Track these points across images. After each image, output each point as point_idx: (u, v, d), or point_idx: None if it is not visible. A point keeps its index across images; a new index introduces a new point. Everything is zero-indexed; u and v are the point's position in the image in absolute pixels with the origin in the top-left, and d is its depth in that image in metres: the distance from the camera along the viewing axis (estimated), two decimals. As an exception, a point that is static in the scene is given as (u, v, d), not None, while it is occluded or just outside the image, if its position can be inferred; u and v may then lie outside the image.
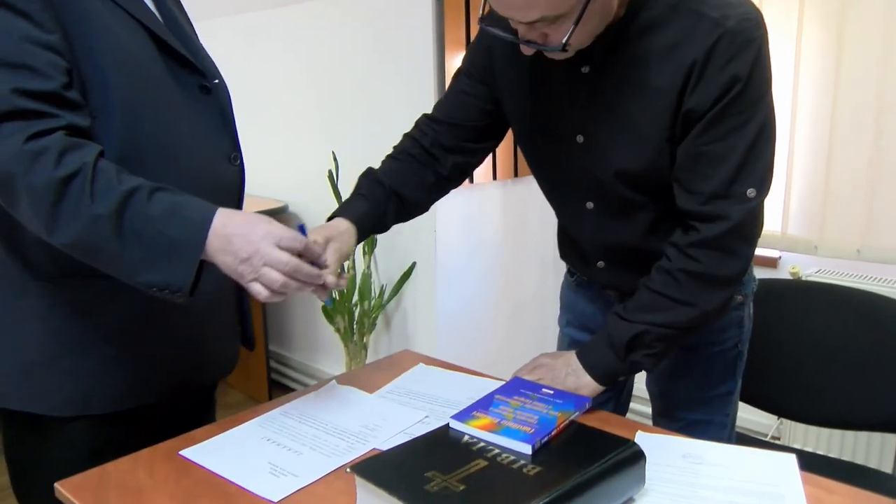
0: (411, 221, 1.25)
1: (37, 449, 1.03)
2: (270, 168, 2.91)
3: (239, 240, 0.89)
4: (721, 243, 1.00)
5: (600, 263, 1.20)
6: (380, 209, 1.15)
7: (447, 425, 0.95)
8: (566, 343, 1.38)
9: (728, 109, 0.95)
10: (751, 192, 0.98)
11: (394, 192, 1.17)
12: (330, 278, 0.96)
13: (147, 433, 1.05)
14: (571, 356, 1.10)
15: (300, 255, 0.92)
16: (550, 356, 1.13)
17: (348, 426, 1.05)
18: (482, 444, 0.89)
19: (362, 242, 2.42)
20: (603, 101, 1.03)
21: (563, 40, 0.91)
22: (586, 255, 1.22)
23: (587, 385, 1.07)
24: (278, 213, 2.84)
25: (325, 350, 2.94)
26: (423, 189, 1.21)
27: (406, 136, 1.24)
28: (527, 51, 0.98)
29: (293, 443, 1.00)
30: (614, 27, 0.99)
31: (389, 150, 1.23)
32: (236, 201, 1.13)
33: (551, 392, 1.04)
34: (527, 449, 0.87)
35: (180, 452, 0.98)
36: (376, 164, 1.21)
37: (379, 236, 2.48)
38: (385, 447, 0.97)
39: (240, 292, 1.18)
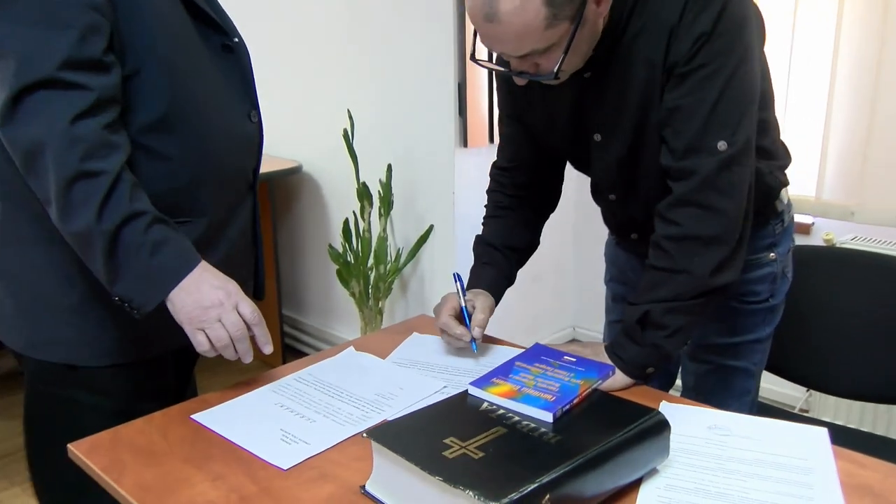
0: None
1: (68, 400, 1.06)
2: (284, 127, 2.86)
3: (208, 287, 0.96)
4: (695, 199, 0.99)
5: (634, 235, 1.23)
6: (504, 269, 1.26)
7: (465, 392, 0.93)
8: (610, 297, 1.41)
9: (694, 61, 0.96)
10: (721, 145, 0.97)
11: (507, 248, 1.26)
12: (477, 331, 1.13)
13: (175, 379, 1.16)
14: (600, 347, 1.09)
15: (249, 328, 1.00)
16: (580, 345, 1.13)
17: (364, 394, 1.03)
18: (501, 411, 0.87)
19: (378, 205, 2.42)
20: (610, 96, 1.05)
21: (555, 69, 0.94)
22: (620, 229, 1.28)
23: (616, 376, 1.04)
24: (293, 173, 2.81)
25: (340, 315, 2.93)
26: (530, 227, 1.29)
27: (489, 192, 1.31)
28: (520, 82, 1.01)
29: (307, 410, 0.99)
30: (604, 33, 1.00)
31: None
32: (256, 158, 1.18)
33: (573, 360, 1.01)
34: (548, 417, 0.84)
35: (192, 416, 0.97)
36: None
37: (395, 198, 2.46)
38: (400, 415, 0.95)
39: (255, 249, 1.22)
